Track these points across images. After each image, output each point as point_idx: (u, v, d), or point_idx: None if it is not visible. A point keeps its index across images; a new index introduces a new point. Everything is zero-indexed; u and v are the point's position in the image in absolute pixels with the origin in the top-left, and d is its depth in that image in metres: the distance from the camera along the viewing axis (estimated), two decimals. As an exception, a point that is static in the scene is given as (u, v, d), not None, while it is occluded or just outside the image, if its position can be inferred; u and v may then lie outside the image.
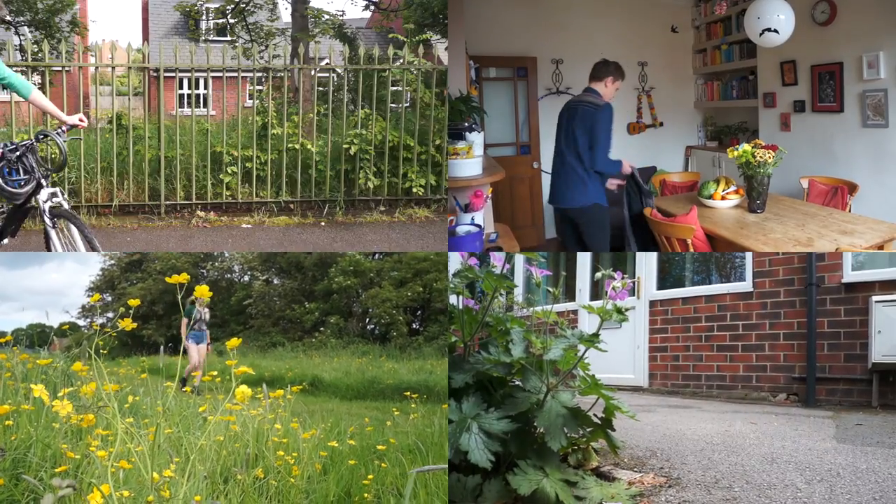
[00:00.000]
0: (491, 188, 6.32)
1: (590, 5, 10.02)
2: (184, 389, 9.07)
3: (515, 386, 3.24)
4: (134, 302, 2.72)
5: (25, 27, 15.11)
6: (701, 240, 6.02)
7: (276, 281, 23.94)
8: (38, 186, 4.99)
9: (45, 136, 5.17)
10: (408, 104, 9.76)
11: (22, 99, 5.36)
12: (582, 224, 6.74)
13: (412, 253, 19.29)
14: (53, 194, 5.03)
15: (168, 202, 8.80)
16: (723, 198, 6.73)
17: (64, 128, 5.24)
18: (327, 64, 9.68)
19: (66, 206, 5.06)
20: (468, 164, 6.09)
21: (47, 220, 4.98)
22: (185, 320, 10.18)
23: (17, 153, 4.95)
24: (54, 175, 6.32)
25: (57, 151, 5.30)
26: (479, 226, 5.87)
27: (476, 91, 8.18)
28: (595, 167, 6.42)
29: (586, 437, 3.37)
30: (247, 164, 9.02)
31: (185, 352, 10.08)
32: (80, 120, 5.29)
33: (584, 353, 3.15)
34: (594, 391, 3.23)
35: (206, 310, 10.43)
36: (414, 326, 20.21)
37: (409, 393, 6.90)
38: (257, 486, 3.29)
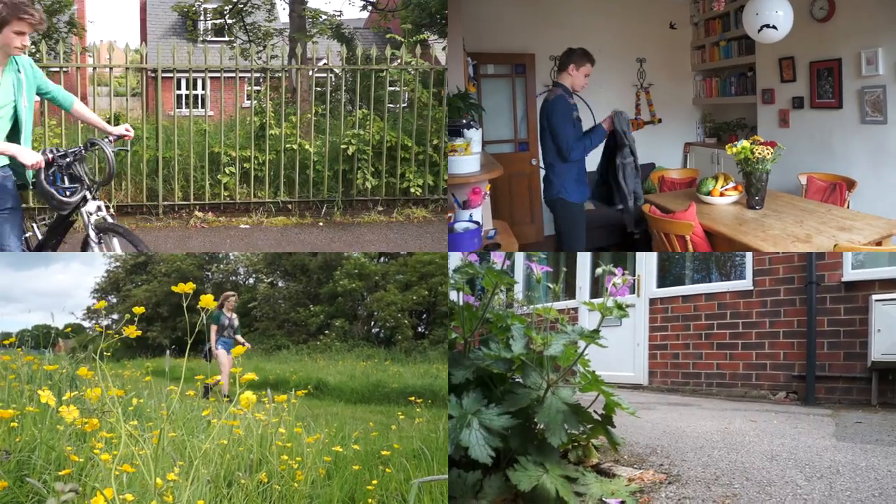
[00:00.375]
0: (489, 185, 6.31)
1: (588, 2, 10.01)
2: (225, 396, 8.64)
3: (516, 382, 3.23)
4: (139, 310, 2.72)
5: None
6: (699, 236, 6.02)
7: (280, 283, 23.91)
8: (84, 199, 4.79)
9: (94, 144, 4.92)
10: (405, 104, 9.77)
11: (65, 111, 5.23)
12: (555, 218, 6.75)
13: (417, 256, 19.23)
14: (99, 208, 4.83)
15: (166, 203, 8.80)
16: (721, 194, 6.73)
17: (111, 138, 5.03)
18: (325, 64, 9.66)
19: (110, 220, 4.88)
20: (466, 160, 6.07)
21: (92, 235, 4.80)
22: (214, 327, 9.43)
23: (67, 160, 4.75)
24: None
25: (104, 162, 4.98)
26: (477, 222, 5.86)
27: (474, 88, 8.16)
28: (570, 158, 6.37)
29: (586, 433, 3.36)
30: (245, 165, 9.01)
31: (210, 358, 9.48)
32: (127, 130, 5.10)
33: (584, 350, 3.14)
34: (594, 388, 3.23)
35: (235, 315, 9.78)
36: (419, 330, 20.13)
37: (413, 398, 6.86)
38: (261, 491, 3.27)
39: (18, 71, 4.57)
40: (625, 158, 6.37)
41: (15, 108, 4.55)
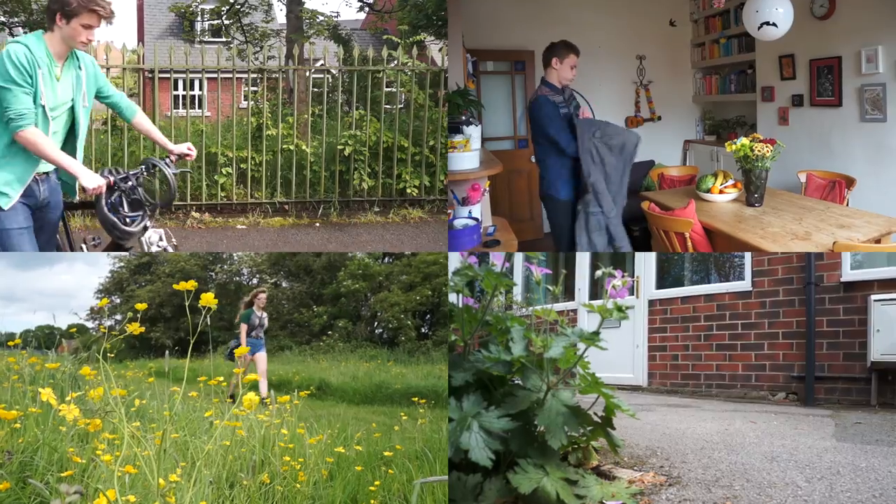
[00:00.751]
0: (488, 181, 6.28)
1: (588, -1, 10.00)
2: (261, 397, 7.99)
3: (516, 384, 3.21)
4: (141, 306, 2.71)
5: (20, 28, 15.03)
6: (699, 233, 6.00)
7: (284, 284, 23.91)
8: (144, 227, 4.39)
9: (154, 165, 4.40)
10: (402, 105, 9.75)
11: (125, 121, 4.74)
12: (547, 214, 6.67)
13: (421, 256, 19.26)
14: (161, 237, 4.48)
15: (162, 203, 8.75)
16: (721, 192, 6.70)
17: (172, 158, 4.54)
18: (322, 65, 9.63)
19: (171, 250, 4.57)
20: (465, 157, 6.05)
21: None
22: (244, 326, 8.87)
23: (129, 184, 4.28)
24: None
25: (165, 185, 4.41)
26: (476, 219, 5.86)
27: (473, 85, 8.13)
28: (570, 153, 6.18)
29: (587, 435, 3.33)
30: (241, 165, 8.99)
31: (235, 358, 8.62)
32: (189, 149, 4.62)
33: (584, 352, 3.11)
34: (594, 389, 3.20)
35: (265, 314, 9.20)
36: (423, 331, 20.11)
37: (416, 398, 6.83)
38: (263, 492, 3.28)
39: (79, 68, 4.19)
40: (588, 207, 6.01)
41: (72, 109, 4.17)
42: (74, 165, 4.05)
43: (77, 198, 4.45)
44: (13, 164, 4.04)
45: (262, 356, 9.04)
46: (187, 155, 4.61)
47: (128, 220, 4.30)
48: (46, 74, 4.01)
